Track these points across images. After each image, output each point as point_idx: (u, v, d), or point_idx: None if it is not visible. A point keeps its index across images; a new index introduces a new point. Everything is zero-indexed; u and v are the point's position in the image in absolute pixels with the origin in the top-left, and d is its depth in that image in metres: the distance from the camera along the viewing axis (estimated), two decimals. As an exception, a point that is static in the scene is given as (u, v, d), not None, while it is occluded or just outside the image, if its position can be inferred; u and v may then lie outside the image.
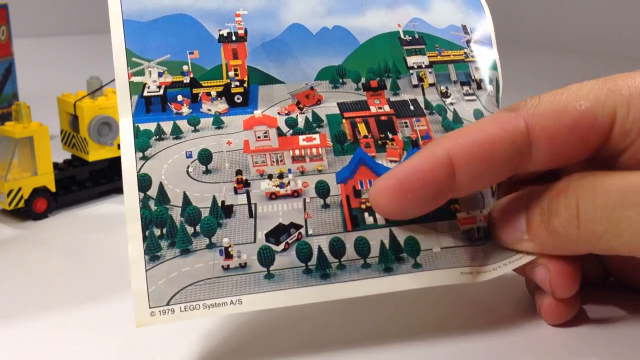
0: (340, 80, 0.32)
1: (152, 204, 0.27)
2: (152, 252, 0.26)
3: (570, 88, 0.28)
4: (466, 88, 0.33)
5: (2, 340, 0.28)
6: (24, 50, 0.79)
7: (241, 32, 0.31)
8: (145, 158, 0.28)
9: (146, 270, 0.26)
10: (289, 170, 0.29)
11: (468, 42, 0.34)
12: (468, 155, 0.27)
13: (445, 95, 0.33)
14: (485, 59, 0.34)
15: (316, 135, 0.30)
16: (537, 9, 1.36)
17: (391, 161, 0.30)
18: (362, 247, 0.28)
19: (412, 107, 0.32)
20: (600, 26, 1.25)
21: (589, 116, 0.27)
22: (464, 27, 0.34)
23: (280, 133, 0.30)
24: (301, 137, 0.30)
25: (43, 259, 0.37)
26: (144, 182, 0.27)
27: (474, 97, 0.33)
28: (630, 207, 0.25)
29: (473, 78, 0.33)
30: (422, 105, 0.32)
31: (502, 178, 0.28)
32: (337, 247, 0.27)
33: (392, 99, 0.32)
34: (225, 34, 0.30)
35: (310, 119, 0.30)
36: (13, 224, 0.42)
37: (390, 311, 0.30)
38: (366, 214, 0.29)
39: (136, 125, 0.28)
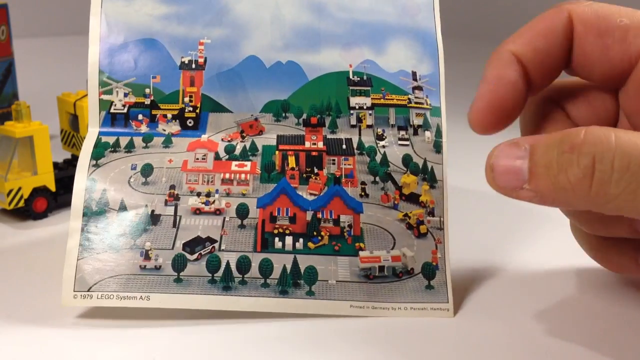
0: (283, 114, 0.35)
1: (93, 204, 0.32)
2: (86, 246, 0.31)
3: (623, 7, 0.29)
4: (402, 132, 0.35)
5: (2, 340, 0.29)
6: (24, 50, 0.76)
7: (201, 60, 0.35)
8: (97, 165, 0.33)
9: (77, 260, 0.31)
10: (217, 191, 0.33)
11: (415, 88, 0.36)
12: (527, 50, 0.29)
13: (380, 137, 0.35)
14: (428, 105, 0.36)
15: (248, 163, 0.34)
16: (537, 8, 1.29)
17: (311, 194, 0.33)
18: (266, 268, 0.31)
19: (344, 146, 0.35)
20: None
21: (622, 32, 0.28)
22: (414, 73, 0.36)
23: (217, 157, 0.34)
24: (234, 163, 0.34)
25: (43, 259, 0.37)
26: (91, 186, 0.32)
27: (407, 143, 0.35)
28: None
29: (411, 123, 0.35)
30: (355, 145, 0.35)
31: (563, 67, 0.30)
32: (243, 264, 0.31)
33: (329, 136, 0.35)
34: (186, 62, 0.35)
35: (248, 148, 0.34)
36: (13, 223, 0.42)
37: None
38: (276, 239, 0.32)
39: (100, 136, 0.34)
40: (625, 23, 0.28)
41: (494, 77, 0.29)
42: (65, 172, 0.45)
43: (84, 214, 0.32)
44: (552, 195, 0.26)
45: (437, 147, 0.35)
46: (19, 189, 0.42)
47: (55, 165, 0.45)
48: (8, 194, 0.41)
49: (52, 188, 0.43)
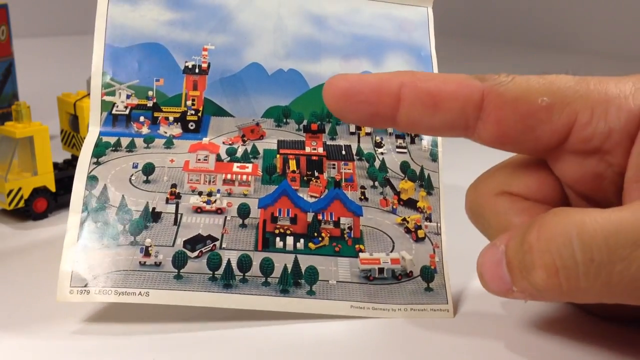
0: (284, 120, 0.36)
1: (93, 201, 0.32)
2: (84, 241, 0.31)
3: (545, 78, 0.27)
4: (400, 141, 0.36)
5: (2, 341, 0.29)
6: (24, 50, 0.75)
7: (204, 65, 0.36)
8: (98, 163, 0.33)
9: (74, 255, 0.30)
10: (218, 190, 0.33)
11: (411, 100, 0.37)
12: (416, 97, 0.27)
13: (378, 145, 0.36)
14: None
15: (249, 165, 0.34)
16: (538, 8, 1.35)
17: (312, 196, 0.34)
18: (267, 267, 0.31)
19: (344, 152, 0.35)
20: (601, 26, 1.22)
21: (545, 113, 0.26)
22: (411, 86, 0.37)
23: (218, 159, 0.34)
24: (236, 164, 0.34)
25: (43, 259, 0.37)
26: (91, 183, 0.32)
27: (405, 150, 0.36)
28: (619, 262, 0.23)
29: (408, 132, 0.36)
30: (354, 152, 0.35)
31: (438, 134, 0.28)
32: (244, 263, 0.31)
33: (328, 142, 0.36)
34: (190, 66, 0.35)
35: (249, 151, 0.35)
36: (13, 224, 0.42)
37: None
38: (277, 238, 0.32)
39: (100, 137, 0.34)
40: (547, 102, 0.26)
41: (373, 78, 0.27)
42: (65, 172, 0.45)
43: (83, 210, 0.31)
44: (537, 296, 0.25)
45: (433, 156, 0.36)
46: (19, 189, 0.41)
47: (55, 165, 0.44)
48: (8, 194, 0.41)
49: (52, 188, 0.43)
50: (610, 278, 0.23)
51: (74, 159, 0.47)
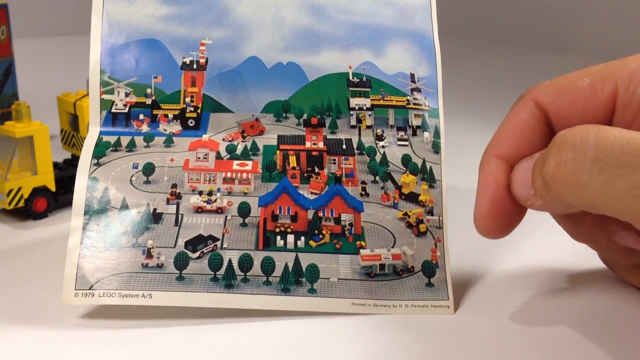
0: (284, 115, 0.35)
1: (95, 203, 0.32)
2: (87, 244, 0.31)
3: (583, 69, 0.30)
4: (401, 133, 0.36)
5: (2, 341, 0.29)
6: (24, 50, 0.76)
7: (202, 61, 0.35)
8: (98, 164, 0.33)
9: (78, 258, 0.31)
10: (218, 189, 0.33)
11: (413, 90, 0.36)
12: (511, 149, 0.30)
13: (379, 138, 0.36)
14: (427, 107, 0.36)
15: (249, 162, 0.34)
16: (539, 8, 1.32)
17: (312, 193, 0.34)
18: (268, 266, 0.31)
19: (344, 146, 0.35)
20: (602, 26, 1.20)
21: (589, 91, 0.29)
22: (412, 75, 0.36)
23: (218, 156, 0.34)
24: (235, 162, 0.34)
25: (43, 259, 0.37)
26: (92, 184, 0.32)
27: (406, 143, 0.36)
28: (624, 167, 0.25)
29: (410, 124, 0.36)
30: (355, 146, 0.35)
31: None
32: (246, 262, 0.31)
33: (329, 136, 0.35)
34: (187, 62, 0.35)
35: (249, 148, 0.35)
36: (13, 223, 0.42)
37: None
38: (278, 237, 0.32)
39: (100, 136, 0.34)
40: (588, 82, 0.29)
41: (488, 183, 0.30)
42: (65, 172, 0.45)
43: (85, 213, 0.32)
44: (546, 194, 0.28)
45: (436, 148, 0.36)
46: (19, 189, 0.41)
47: (55, 165, 0.45)
48: (8, 194, 0.41)
49: (52, 188, 0.43)
50: (611, 179, 0.25)
51: (74, 158, 0.48)
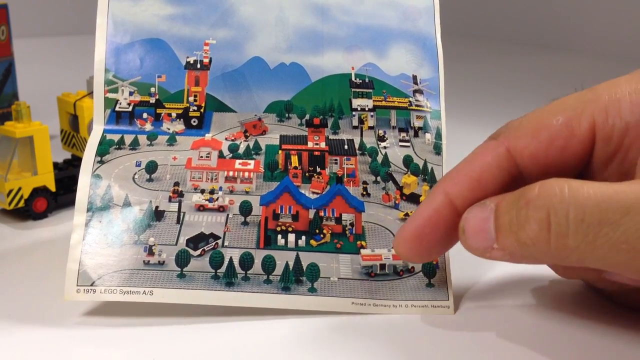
0: (287, 115, 0.36)
1: (98, 200, 0.32)
2: (89, 241, 0.31)
3: (552, 104, 0.29)
4: (403, 134, 0.36)
5: (2, 341, 0.29)
6: (24, 50, 0.75)
7: (206, 60, 0.35)
8: (101, 162, 0.33)
9: (81, 255, 0.31)
10: (220, 188, 0.34)
11: (415, 91, 0.37)
12: (463, 190, 0.29)
13: (381, 139, 0.36)
14: (429, 108, 0.37)
15: (251, 161, 0.34)
16: (539, 9, 1.32)
17: (314, 192, 0.34)
18: (268, 265, 0.32)
19: (346, 147, 0.35)
20: (602, 26, 1.20)
21: (565, 129, 0.28)
22: (415, 77, 0.37)
23: (220, 155, 0.34)
24: (238, 161, 0.34)
25: (43, 259, 0.37)
26: (95, 181, 0.33)
27: (408, 144, 0.36)
28: (607, 225, 0.24)
29: (412, 125, 0.36)
30: (357, 146, 0.35)
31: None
32: (247, 261, 0.32)
33: (331, 137, 0.35)
34: (191, 62, 0.35)
35: (251, 147, 0.35)
36: (13, 224, 0.42)
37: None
38: (279, 236, 0.33)
39: (104, 134, 0.34)
40: (562, 120, 0.28)
41: (424, 214, 0.29)
42: (65, 172, 0.45)
43: (88, 210, 0.32)
44: (518, 252, 0.27)
45: (437, 149, 0.36)
46: (19, 189, 0.41)
47: (55, 165, 0.44)
48: (8, 194, 0.41)
49: (52, 188, 0.43)
50: (596, 239, 0.25)
51: (74, 158, 0.48)
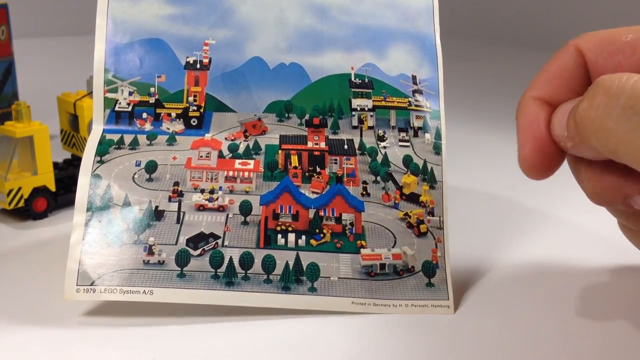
0: (286, 115, 0.36)
1: (97, 200, 0.32)
2: (89, 240, 0.31)
3: (632, 27, 0.31)
4: (403, 134, 0.36)
5: (3, 341, 0.29)
6: (24, 50, 0.76)
7: (206, 61, 0.36)
8: (101, 162, 0.33)
9: (81, 254, 0.31)
10: (220, 188, 0.34)
11: (415, 91, 0.37)
12: (547, 92, 0.31)
13: (381, 138, 0.36)
14: (428, 108, 0.37)
15: (251, 161, 0.34)
16: (540, 9, 1.32)
17: (314, 192, 0.34)
18: (269, 264, 0.32)
19: (346, 147, 0.35)
20: (602, 26, 1.20)
21: (629, 47, 0.30)
22: (414, 77, 0.37)
23: (220, 155, 0.34)
24: (238, 161, 0.34)
25: (43, 259, 0.37)
26: (95, 181, 0.33)
27: (408, 144, 0.36)
28: None
29: (411, 125, 0.36)
30: (356, 146, 0.35)
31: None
32: (247, 260, 0.32)
33: (331, 137, 0.35)
34: (191, 62, 0.35)
35: (251, 147, 0.35)
36: (13, 223, 0.42)
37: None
38: (279, 236, 0.33)
39: (104, 134, 0.34)
40: (631, 38, 0.30)
41: (529, 123, 0.30)
42: (65, 172, 0.45)
43: (88, 209, 0.32)
44: (575, 135, 0.28)
45: (437, 149, 0.36)
46: (19, 189, 0.42)
47: (55, 165, 0.45)
48: (8, 194, 0.41)
49: (52, 188, 0.43)
50: (637, 129, 0.25)
51: (74, 158, 0.48)
